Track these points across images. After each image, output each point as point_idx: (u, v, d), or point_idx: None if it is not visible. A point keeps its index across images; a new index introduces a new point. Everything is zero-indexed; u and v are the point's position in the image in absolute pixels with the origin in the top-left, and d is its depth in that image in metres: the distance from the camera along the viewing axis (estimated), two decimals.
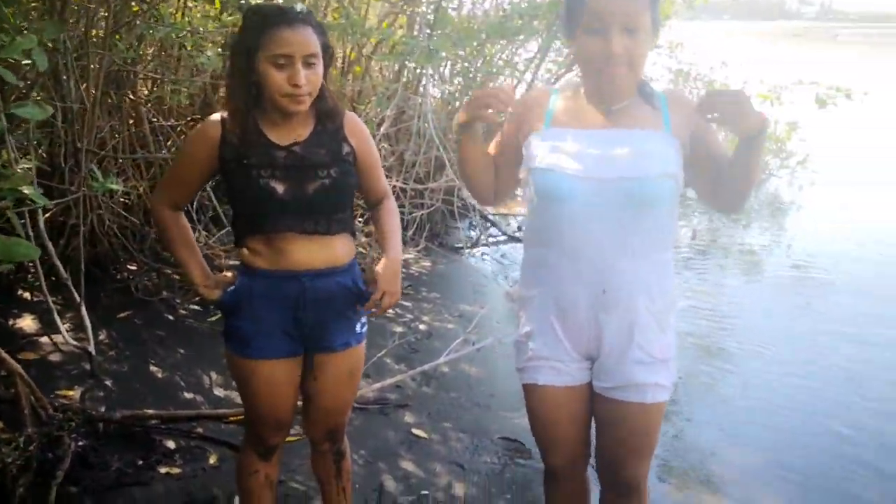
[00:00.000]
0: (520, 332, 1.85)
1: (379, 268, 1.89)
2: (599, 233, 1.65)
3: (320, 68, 1.78)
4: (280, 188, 1.81)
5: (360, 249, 4.49)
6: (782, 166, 8.16)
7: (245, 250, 1.90)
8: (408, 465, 2.79)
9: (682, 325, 4.15)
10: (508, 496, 2.65)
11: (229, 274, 2.00)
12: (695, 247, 6.10)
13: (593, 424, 1.87)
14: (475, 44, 4.26)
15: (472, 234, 6.03)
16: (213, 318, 3.91)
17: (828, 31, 60.66)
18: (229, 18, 3.98)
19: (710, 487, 2.82)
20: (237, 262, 1.96)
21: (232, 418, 2.99)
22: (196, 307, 4.02)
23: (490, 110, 1.67)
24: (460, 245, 5.62)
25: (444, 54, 4.16)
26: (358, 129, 1.94)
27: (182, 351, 3.57)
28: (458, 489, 2.68)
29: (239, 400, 3.09)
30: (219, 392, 3.23)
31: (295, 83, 1.71)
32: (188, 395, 3.18)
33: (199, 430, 2.91)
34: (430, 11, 4.86)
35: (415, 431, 3.02)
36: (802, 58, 20.39)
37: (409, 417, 3.14)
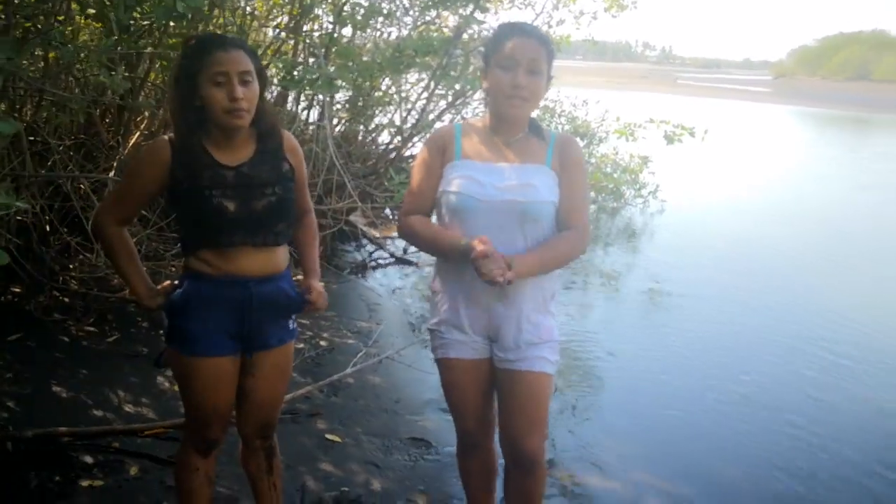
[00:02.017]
0: (433, 319, 2.24)
1: (312, 280, 2.19)
2: (497, 242, 2.01)
3: (256, 86, 1.98)
4: (231, 206, 1.99)
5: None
6: (636, 195, 8.98)
7: (193, 259, 2.06)
8: (326, 467, 2.98)
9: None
10: (421, 487, 2.91)
11: (168, 283, 2.15)
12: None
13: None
14: (372, 74, 4.54)
15: (359, 256, 6.26)
16: (111, 340, 3.91)
17: (669, 75, 66.17)
18: (113, 39, 4.01)
19: (593, 469, 3.21)
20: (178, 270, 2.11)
21: (147, 433, 3.05)
22: (92, 328, 3.99)
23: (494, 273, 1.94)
24: (351, 266, 5.84)
25: (342, 83, 4.39)
26: (295, 148, 2.16)
27: (84, 371, 3.55)
28: (376, 485, 2.90)
29: (152, 415, 3.22)
30: (129, 409, 3.27)
31: (234, 97, 1.91)
32: (98, 413, 3.19)
33: (115, 444, 2.95)
34: (320, 40, 5.11)
35: (329, 437, 3.21)
36: (649, 98, 22.15)
37: (321, 425, 3.32)
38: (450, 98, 5.64)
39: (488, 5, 4.76)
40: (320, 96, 5.03)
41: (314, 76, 4.26)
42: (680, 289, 6.06)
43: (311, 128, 5.19)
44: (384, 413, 3.50)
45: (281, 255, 2.12)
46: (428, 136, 2.35)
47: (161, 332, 3.88)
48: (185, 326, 2.06)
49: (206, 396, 2.11)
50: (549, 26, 6.58)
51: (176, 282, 2.12)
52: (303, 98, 4.97)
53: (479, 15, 4.60)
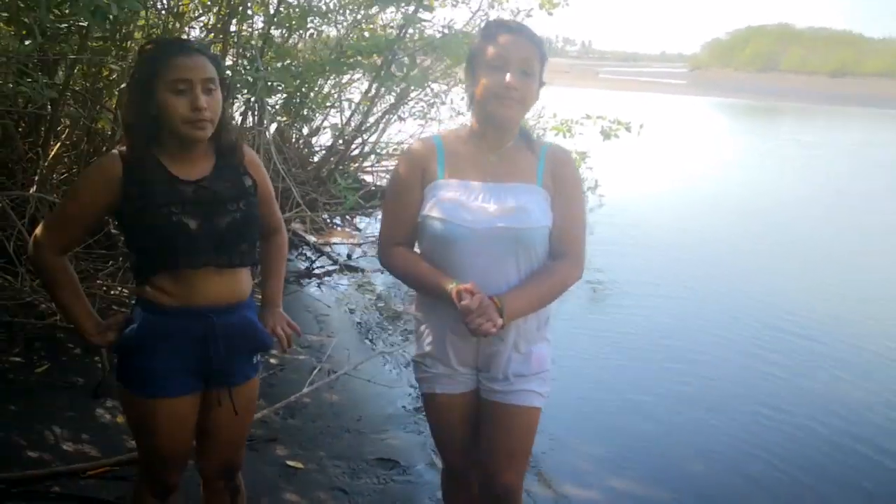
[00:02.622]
0: (418, 351, 2.06)
1: (273, 310, 2.06)
2: (487, 271, 1.87)
3: (219, 95, 1.80)
4: (192, 223, 1.80)
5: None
6: None
7: (148, 288, 1.86)
8: (291, 497, 2.80)
9: None
10: None
11: (119, 315, 1.95)
12: None
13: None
14: (313, 76, 4.35)
15: (301, 264, 6.04)
16: (41, 370, 3.61)
17: (590, 69, 67.57)
18: (29, 44, 3.69)
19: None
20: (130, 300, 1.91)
21: (91, 473, 2.80)
22: (18, 359, 3.67)
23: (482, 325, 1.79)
24: (294, 275, 5.61)
25: (281, 87, 4.19)
26: (256, 163, 1.99)
27: (13, 407, 3.25)
28: None
29: (95, 452, 2.97)
30: (68, 447, 2.99)
31: (196, 106, 1.73)
32: (32, 454, 2.91)
33: (56, 488, 2.69)
34: (254, 41, 4.88)
35: (290, 463, 3.02)
36: (573, 93, 22.52)
37: (280, 451, 3.12)
38: (393, 99, 5.48)
39: (433, 4, 4.62)
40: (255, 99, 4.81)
41: (251, 79, 4.05)
42: (623, 278, 6.13)
43: (250, 134, 4.95)
44: (346, 433, 3.33)
45: (245, 280, 1.95)
46: (404, 151, 2.12)
47: (97, 358, 3.65)
48: (140, 365, 1.86)
49: (164, 440, 1.92)
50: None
51: (127, 311, 1.92)
52: (237, 101, 4.72)
53: (422, 14, 4.46)
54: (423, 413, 3.49)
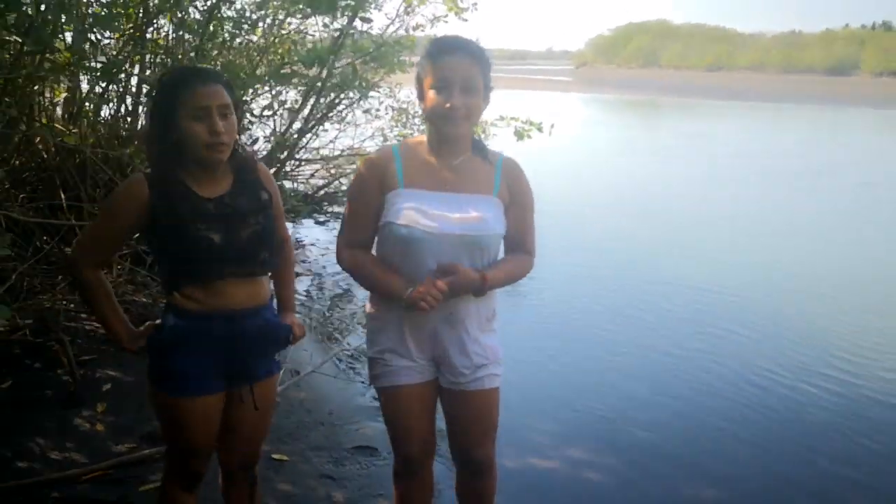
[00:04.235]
0: (375, 348, 2.20)
1: (290, 314, 2.28)
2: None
3: (234, 119, 2.00)
4: (216, 237, 2.00)
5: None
6: None
7: (177, 295, 2.04)
8: (284, 486, 3.00)
9: None
10: (382, 492, 3.01)
11: (149, 323, 2.12)
12: None
13: (440, 420, 2.28)
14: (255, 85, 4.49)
15: None
16: (5, 387, 3.62)
17: None
18: None
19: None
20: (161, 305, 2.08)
21: (85, 478, 2.91)
22: None
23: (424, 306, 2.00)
24: None
25: None
26: (270, 178, 2.20)
27: None
28: (339, 497, 2.97)
29: (83, 458, 3.05)
30: (56, 455, 3.07)
31: (215, 131, 1.92)
32: (22, 465, 2.98)
33: (55, 494, 2.79)
34: (183, 52, 4.95)
35: (275, 456, 3.21)
36: None
37: (263, 446, 3.29)
38: (325, 108, 5.66)
39: (369, 15, 4.85)
40: None
41: None
42: (538, 274, 6.53)
43: None
44: (321, 426, 3.54)
45: (266, 286, 2.15)
46: (364, 158, 2.26)
47: (60, 370, 3.69)
48: (172, 367, 2.04)
49: (198, 435, 2.10)
50: (406, 31, 6.75)
51: (158, 321, 2.09)
52: None
53: (358, 24, 4.70)
54: None
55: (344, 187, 8.13)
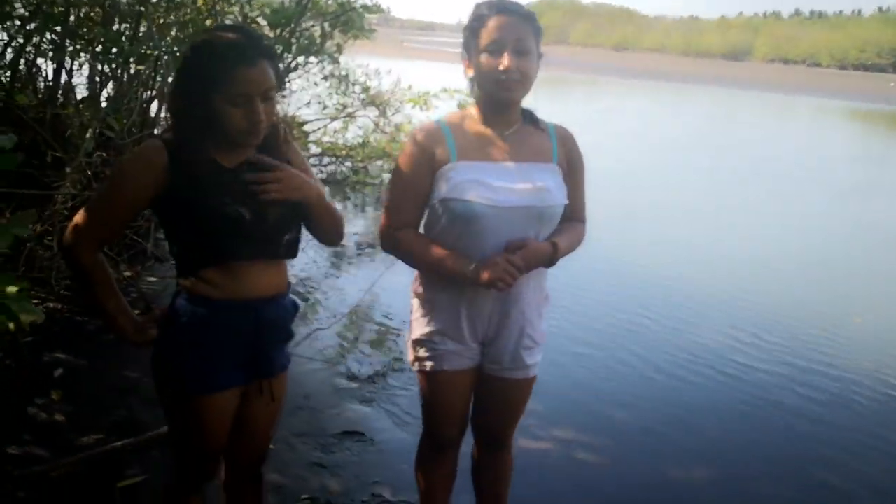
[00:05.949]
0: (424, 330, 2.08)
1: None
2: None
3: (275, 98, 1.77)
4: (247, 213, 1.78)
5: None
6: None
7: (195, 281, 1.81)
8: (274, 476, 2.82)
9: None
10: (377, 480, 2.89)
11: (157, 311, 1.89)
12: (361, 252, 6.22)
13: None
14: None
15: None
16: None
17: (393, 38, 67.81)
18: None
19: None
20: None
21: (52, 474, 2.64)
22: None
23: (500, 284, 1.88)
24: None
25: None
26: (294, 146, 1.98)
27: None
28: (334, 485, 2.83)
29: (48, 454, 2.77)
30: (15, 450, 2.77)
31: (256, 120, 1.69)
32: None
33: (21, 494, 2.51)
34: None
35: None
36: (383, 63, 22.73)
37: None
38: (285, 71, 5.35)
39: None
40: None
41: (153, 52, 3.84)
42: None
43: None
44: (300, 411, 3.36)
45: (286, 271, 1.96)
46: (410, 137, 2.06)
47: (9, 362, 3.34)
48: (192, 362, 1.82)
49: (213, 432, 1.90)
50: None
51: (165, 308, 1.86)
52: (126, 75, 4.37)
53: None
54: (373, 384, 3.66)
55: None
